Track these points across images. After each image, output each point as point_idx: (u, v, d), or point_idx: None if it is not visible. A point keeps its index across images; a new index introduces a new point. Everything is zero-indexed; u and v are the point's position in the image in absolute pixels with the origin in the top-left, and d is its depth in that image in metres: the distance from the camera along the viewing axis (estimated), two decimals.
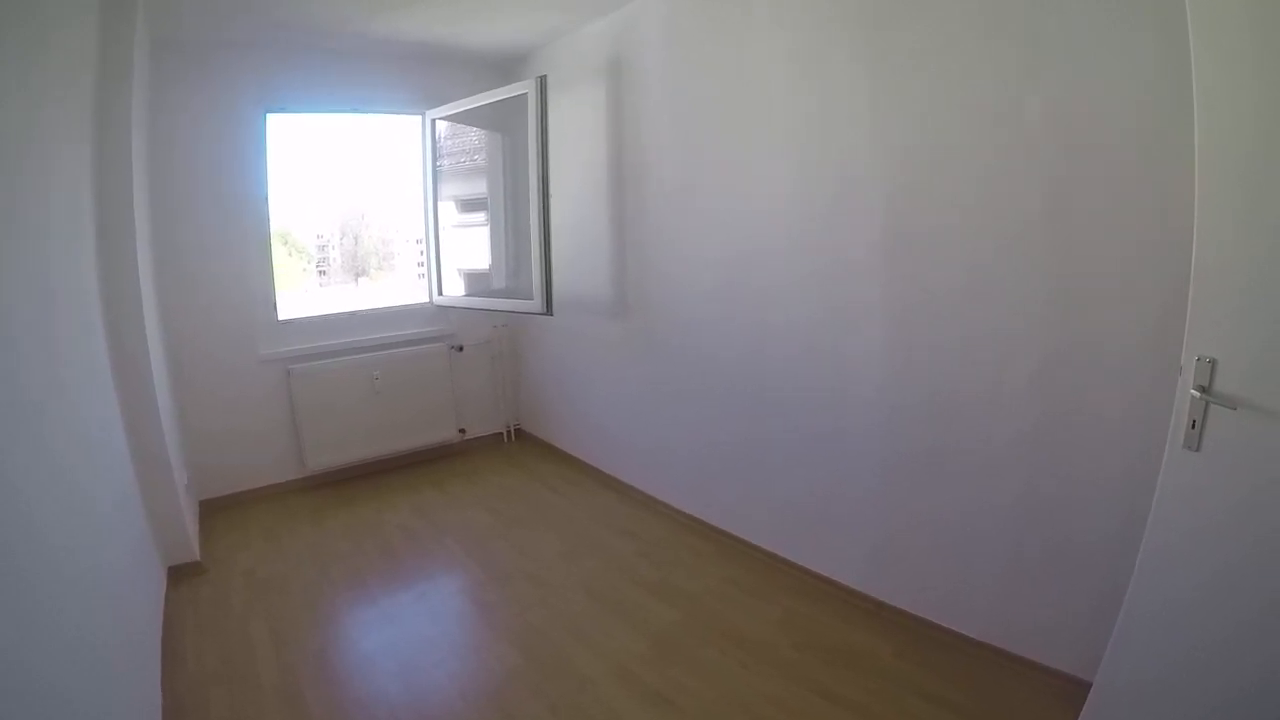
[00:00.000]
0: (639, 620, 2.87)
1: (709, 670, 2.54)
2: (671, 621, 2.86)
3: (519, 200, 4.18)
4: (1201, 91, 1.49)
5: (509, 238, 4.49)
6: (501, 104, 4.07)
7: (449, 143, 4.76)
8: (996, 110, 2.24)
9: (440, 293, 4.85)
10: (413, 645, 2.78)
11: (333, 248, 6.91)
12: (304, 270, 6.70)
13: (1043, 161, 2.14)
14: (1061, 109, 2.08)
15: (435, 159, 4.74)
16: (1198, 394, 1.54)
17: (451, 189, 4.83)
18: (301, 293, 6.10)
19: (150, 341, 3.08)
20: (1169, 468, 1.64)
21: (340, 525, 3.94)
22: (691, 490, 3.79)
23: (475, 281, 4.87)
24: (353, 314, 4.73)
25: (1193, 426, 1.57)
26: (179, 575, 3.27)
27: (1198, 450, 1.57)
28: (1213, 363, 1.52)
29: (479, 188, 4.74)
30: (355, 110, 4.61)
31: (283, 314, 4.40)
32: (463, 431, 5.12)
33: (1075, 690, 2.10)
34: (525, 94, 3.82)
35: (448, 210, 4.85)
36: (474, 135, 4.69)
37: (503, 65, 4.84)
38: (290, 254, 6.30)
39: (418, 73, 4.60)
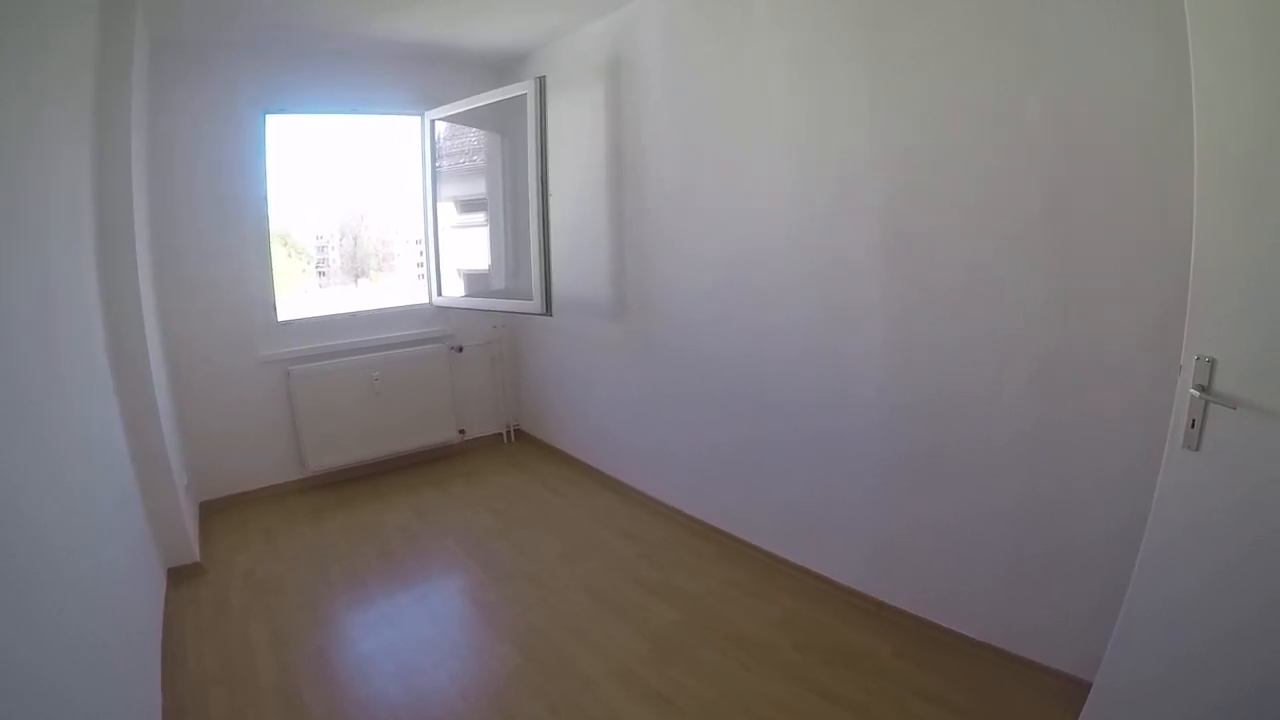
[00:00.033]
0: (640, 621, 2.87)
1: (710, 671, 2.54)
2: (672, 622, 2.86)
3: (518, 201, 4.18)
4: (1201, 91, 1.49)
5: (508, 238, 4.49)
6: (500, 104, 4.07)
7: (448, 143, 4.76)
8: (996, 110, 2.24)
9: (440, 293, 4.85)
10: (413, 646, 2.78)
11: (332, 249, 6.91)
12: (303, 271, 6.70)
13: (1043, 161, 2.14)
14: (1061, 109, 2.08)
15: (434, 160, 4.74)
16: (1197, 393, 1.54)
17: (451, 190, 4.84)
18: (301, 294, 6.10)
19: (150, 342, 3.08)
20: (1169, 467, 1.64)
21: (340, 526, 3.94)
22: (692, 491, 3.79)
23: (475, 282, 4.88)
24: (352, 315, 4.73)
25: (1192, 426, 1.57)
26: (179, 576, 3.27)
27: (1197, 450, 1.57)
28: (1212, 362, 1.52)
29: (478, 188, 4.74)
30: (354, 111, 4.61)
31: (282, 315, 4.40)
32: (463, 432, 5.12)
33: (1075, 690, 2.10)
34: (524, 94, 3.82)
35: (447, 211, 4.85)
36: (473, 136, 4.69)
37: (502, 66, 4.84)
38: (290, 255, 6.30)
39: (416, 73, 4.60)
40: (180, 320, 3.92)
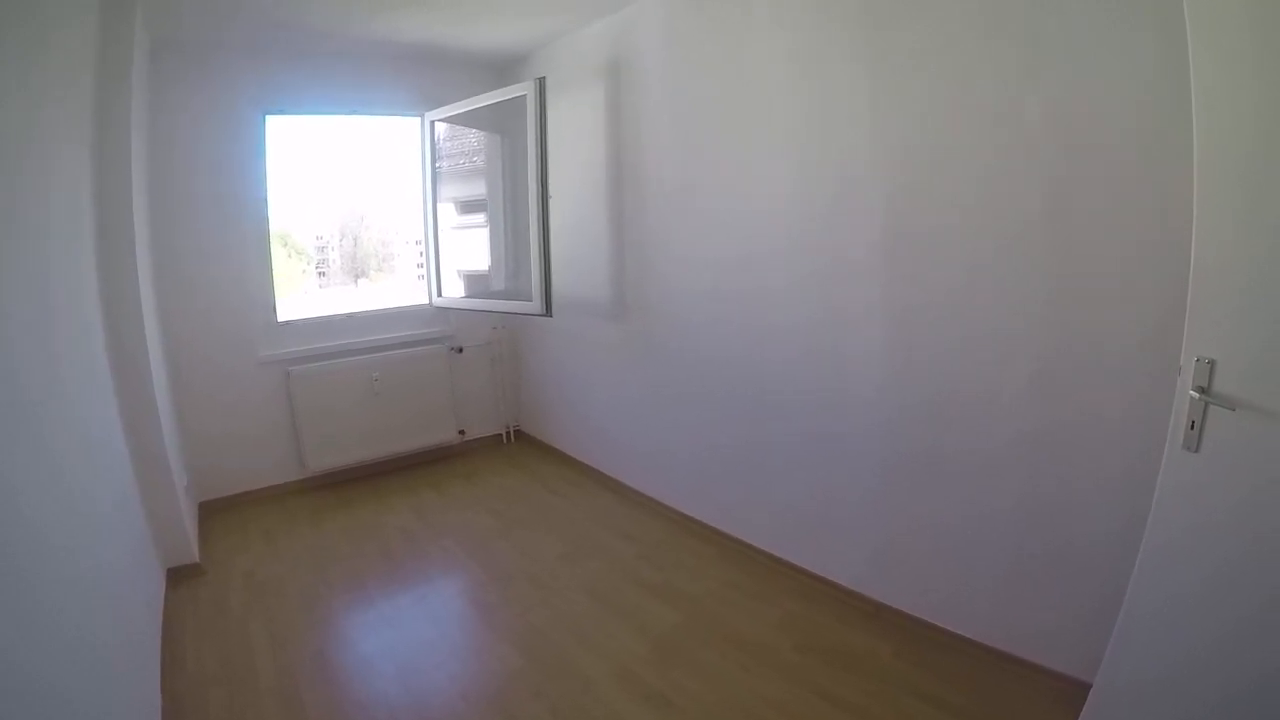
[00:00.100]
0: (640, 622, 2.87)
1: (710, 672, 2.54)
2: (672, 623, 2.86)
3: (518, 202, 4.18)
4: (1201, 91, 1.49)
5: (508, 239, 4.49)
6: (500, 105, 4.07)
7: (448, 144, 4.76)
8: (996, 110, 2.24)
9: (440, 294, 4.85)
10: (412, 647, 2.78)
11: (332, 249, 6.91)
12: (303, 272, 6.70)
13: (1043, 161, 2.14)
14: (1061, 109, 2.08)
15: (434, 161, 4.74)
16: (1197, 395, 1.54)
17: (451, 190, 4.84)
18: (301, 294, 6.10)
19: (150, 342, 3.08)
20: (1168, 468, 1.64)
21: (340, 527, 3.93)
22: (692, 492, 3.79)
23: (475, 283, 4.88)
24: (352, 316, 4.73)
25: (1192, 427, 1.57)
26: (178, 577, 3.27)
27: (1197, 451, 1.57)
28: (1212, 364, 1.52)
29: (478, 189, 4.74)
30: (354, 112, 4.62)
31: (282, 315, 4.40)
32: (462, 433, 5.12)
33: (1076, 692, 2.09)
34: (524, 96, 3.82)
35: (447, 212, 4.85)
36: (473, 137, 4.70)
37: (502, 66, 4.84)
38: (290, 255, 6.30)
39: (416, 74, 4.60)
40: (180, 320, 3.92)
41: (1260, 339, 1.47)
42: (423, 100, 4.65)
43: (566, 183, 4.21)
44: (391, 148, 5.23)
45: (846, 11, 2.63)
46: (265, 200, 4.22)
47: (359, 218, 6.95)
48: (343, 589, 3.23)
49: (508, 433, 5.40)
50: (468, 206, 4.85)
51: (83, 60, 2.55)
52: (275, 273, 4.36)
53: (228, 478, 4.22)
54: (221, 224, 4.04)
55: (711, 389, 3.53)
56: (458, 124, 4.67)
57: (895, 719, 2.26)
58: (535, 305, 3.98)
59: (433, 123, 4.67)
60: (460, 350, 5.05)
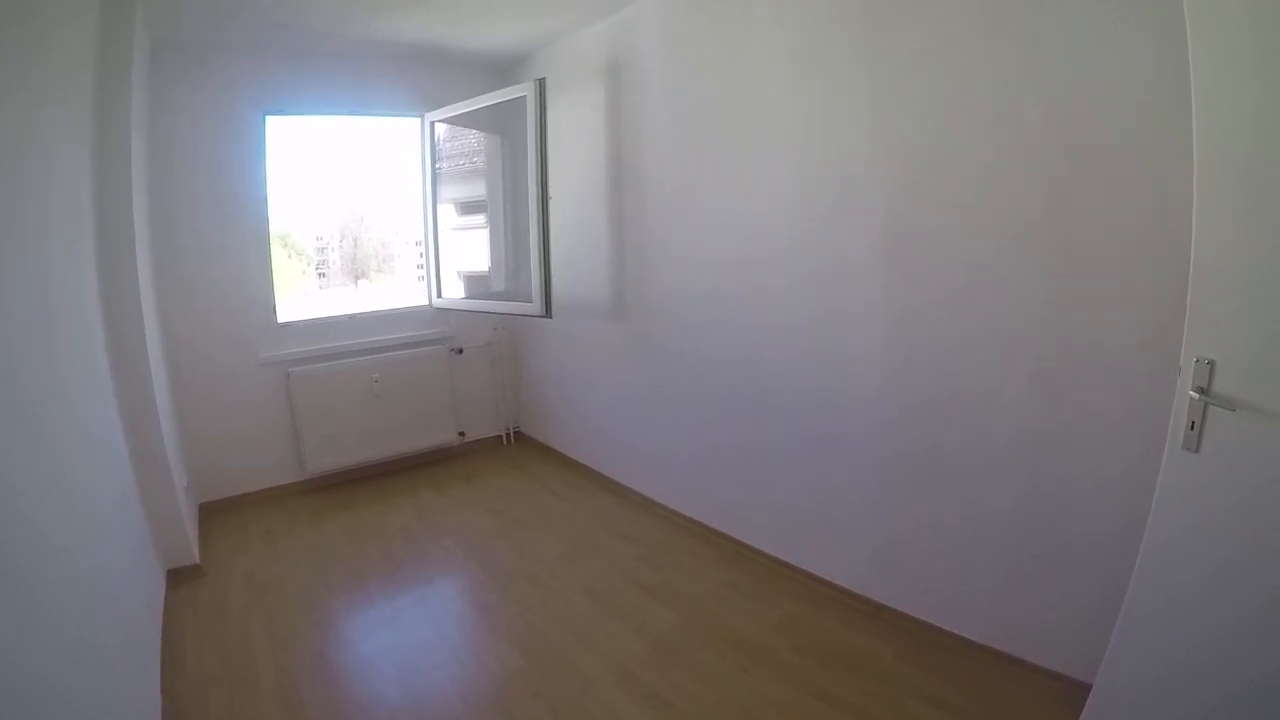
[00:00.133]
0: (639, 623, 2.87)
1: (709, 673, 2.54)
2: (672, 624, 2.85)
3: (518, 202, 4.18)
4: (1201, 91, 1.49)
5: (508, 240, 4.49)
6: (500, 106, 4.07)
7: (448, 145, 4.76)
8: (996, 110, 2.24)
9: (440, 295, 4.85)
10: (412, 647, 2.78)
11: (332, 250, 6.92)
12: (303, 273, 6.70)
13: (1043, 161, 2.14)
14: (1061, 109, 2.08)
15: (434, 161, 4.74)
16: (1196, 395, 1.54)
17: (450, 191, 4.84)
18: (301, 295, 6.11)
19: (150, 343, 3.08)
20: (1168, 469, 1.64)
21: (340, 528, 3.93)
22: (692, 493, 3.79)
23: (474, 284, 4.88)
24: (352, 316, 4.73)
25: (1192, 428, 1.57)
26: (179, 578, 3.27)
27: (1197, 451, 1.57)
28: (1211, 364, 1.52)
29: (478, 190, 4.74)
30: (354, 112, 4.62)
31: (282, 316, 4.40)
32: (462, 434, 5.11)
33: (1076, 692, 2.09)
34: (524, 96, 3.82)
35: (447, 213, 4.85)
36: (473, 138, 4.70)
37: (502, 67, 4.84)
38: (290, 256, 6.31)
39: (416, 75, 4.60)
40: (180, 321, 3.92)
41: (1260, 339, 1.47)
42: (423, 101, 4.65)
43: (566, 183, 4.22)
44: (391, 148, 5.24)
45: (846, 11, 2.63)
46: (265, 201, 4.21)
47: (359, 218, 6.95)
48: (343, 590, 3.23)
49: (508, 434, 5.39)
50: (468, 207, 4.85)
51: (83, 60, 2.55)
52: (275, 273, 4.36)
53: (228, 479, 4.22)
54: (221, 224, 4.04)
55: (711, 389, 3.52)
56: (458, 125, 4.67)
57: (895, 719, 2.26)
58: (535, 306, 3.98)
59: (433, 123, 4.67)
60: (460, 351, 5.05)
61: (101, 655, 1.84)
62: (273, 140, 4.22)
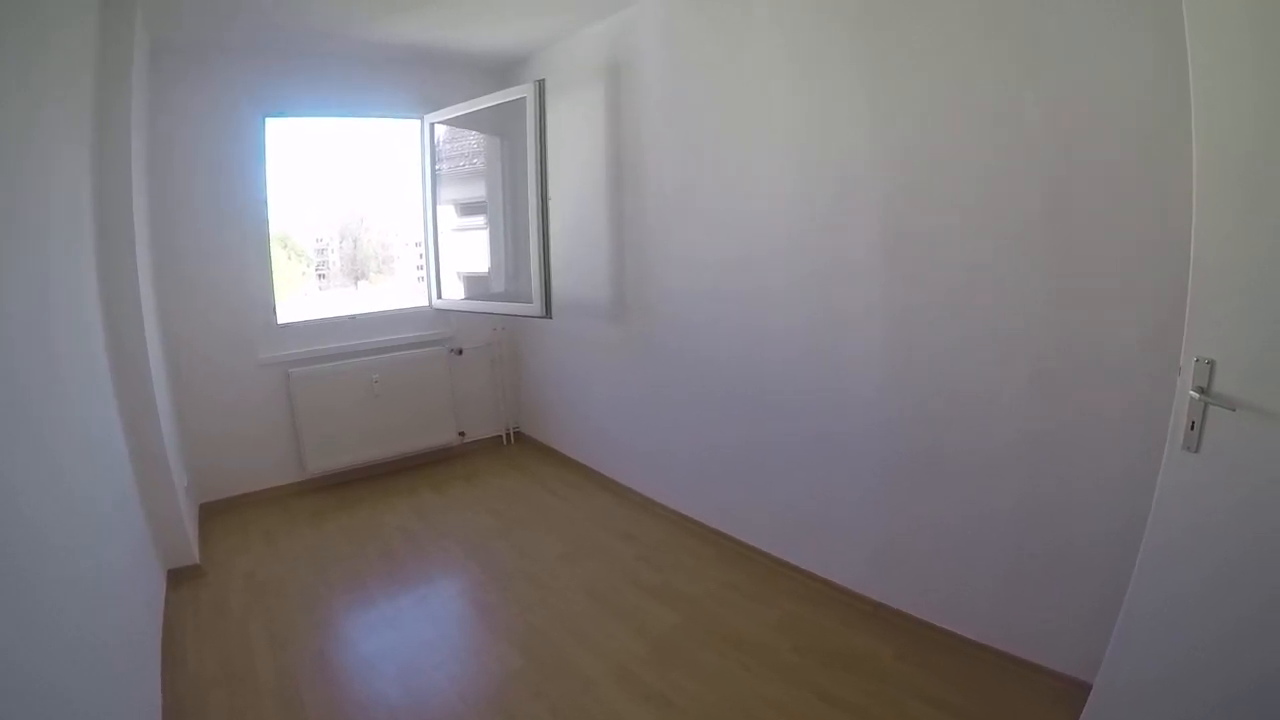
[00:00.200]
0: (639, 623, 2.87)
1: (709, 673, 2.54)
2: (672, 624, 2.85)
3: (518, 203, 4.18)
4: (1201, 91, 1.49)
5: (508, 241, 4.49)
6: (500, 107, 4.07)
7: (448, 146, 4.76)
8: (996, 110, 2.24)
9: (439, 296, 4.85)
10: (412, 647, 2.78)
11: (332, 251, 6.91)
12: (303, 274, 6.70)
13: (1043, 161, 2.14)
14: (1061, 109, 2.08)
15: (434, 163, 4.74)
16: (1196, 395, 1.54)
17: (450, 192, 4.84)
18: (301, 296, 6.11)
19: (149, 343, 3.08)
20: (1168, 468, 1.64)
21: (340, 528, 3.93)
22: (692, 493, 3.79)
23: (474, 285, 4.88)
24: (352, 317, 4.73)
25: (1192, 428, 1.57)
26: (179, 578, 3.27)
27: (1197, 451, 1.57)
28: (1211, 364, 1.52)
29: (478, 191, 4.74)
30: (354, 114, 4.63)
31: (282, 317, 4.40)
32: (462, 434, 5.11)
33: (1076, 692, 2.09)
34: (524, 98, 3.83)
35: (447, 214, 4.85)
36: (473, 139, 4.70)
37: (502, 68, 4.84)
38: (289, 257, 6.31)
39: (416, 76, 4.61)
40: (180, 321, 3.92)
41: (1260, 339, 1.47)
42: (422, 102, 4.65)
43: (566, 184, 4.22)
44: (391, 150, 5.24)
45: (846, 11, 2.63)
46: (265, 202, 4.22)
47: (359, 220, 6.95)
48: (343, 589, 3.23)
49: (508, 434, 5.39)
50: (467, 208, 4.85)
51: (83, 60, 2.55)
52: (275, 274, 4.36)
53: (228, 479, 4.22)
54: (221, 225, 4.04)
55: (711, 389, 3.52)
56: (457, 126, 4.67)
57: (895, 719, 2.26)
58: (535, 307, 3.98)
59: (432, 125, 4.67)
60: (460, 352, 5.05)
61: (101, 655, 1.84)
62: (272, 142, 4.23)
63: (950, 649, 2.59)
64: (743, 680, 2.49)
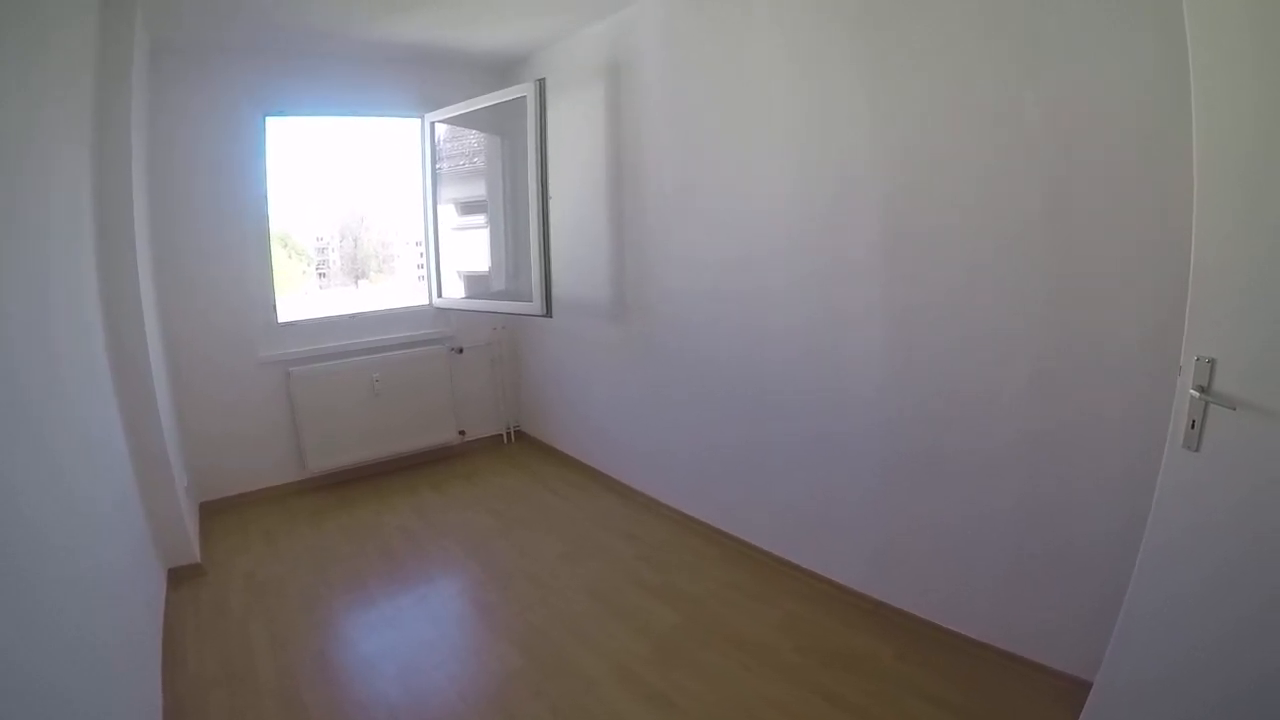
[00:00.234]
0: (640, 622, 2.87)
1: (711, 672, 2.54)
2: (673, 624, 2.86)
3: (518, 202, 4.18)
4: (1201, 91, 1.49)
5: (508, 240, 4.49)
6: (500, 107, 4.07)
7: (448, 145, 4.76)
8: (996, 110, 2.24)
9: (440, 295, 4.85)
10: (413, 647, 2.78)
11: (332, 250, 6.92)
12: (304, 273, 6.71)
13: (1043, 161, 2.14)
14: (1061, 109, 2.08)
15: (434, 162, 4.74)
16: (1197, 394, 1.54)
17: (451, 191, 4.84)
18: (301, 295, 6.11)
19: (149, 343, 3.08)
20: (1168, 467, 1.64)
21: (340, 527, 3.93)
22: (692, 493, 3.79)
23: (475, 284, 4.88)
24: (352, 316, 4.73)
25: (1192, 426, 1.57)
26: (179, 577, 3.27)
27: (1197, 450, 1.57)
28: (1212, 362, 1.52)
29: (478, 190, 4.74)
30: (354, 113, 4.62)
31: (282, 316, 4.40)
32: (463, 433, 5.11)
33: (1076, 691, 2.09)
34: (524, 97, 3.83)
35: (447, 213, 4.85)
36: (473, 138, 4.70)
37: (502, 67, 4.84)
38: (290, 256, 6.31)
39: (416, 75, 4.61)
40: (180, 320, 3.92)
41: (1260, 339, 1.46)
42: (423, 101, 4.65)
43: (566, 183, 4.22)
44: (391, 149, 5.24)
45: (846, 11, 2.63)
46: (265, 201, 4.22)
47: (359, 219, 6.96)
48: (343, 589, 3.23)
49: (508, 433, 5.40)
50: (468, 207, 4.85)
51: (83, 60, 2.55)
52: (275, 274, 4.36)
53: (228, 478, 4.22)
54: (221, 224, 4.04)
55: (711, 389, 3.53)
56: (458, 125, 4.67)
57: (896, 718, 2.26)
58: (535, 306, 3.98)
59: (433, 124, 4.67)
60: (460, 351, 5.05)
61: (101, 655, 1.84)
62: (273, 141, 4.23)
63: (951, 648, 2.59)
64: (744, 680, 2.49)
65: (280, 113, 4.23)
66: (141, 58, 3.22)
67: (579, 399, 4.69)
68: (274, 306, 4.34)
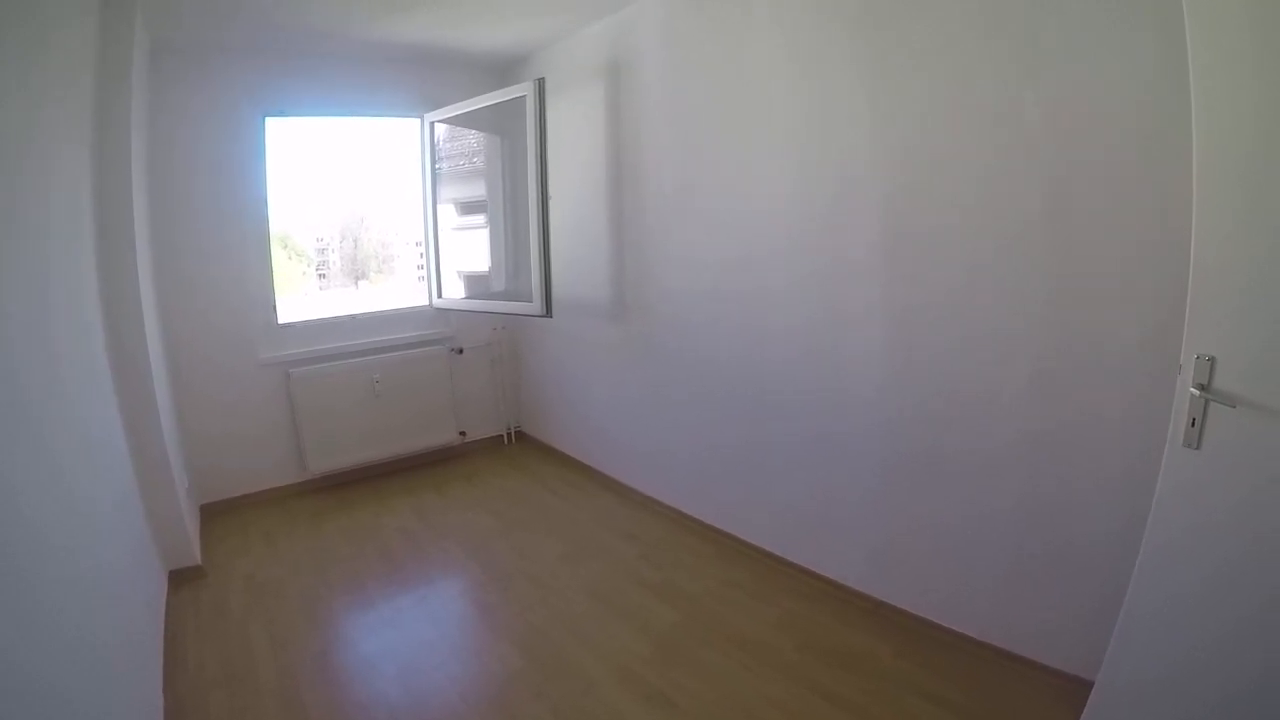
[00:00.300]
0: (641, 622, 2.87)
1: (710, 672, 2.54)
2: (673, 623, 2.86)
3: (518, 202, 4.18)
4: (1201, 91, 1.49)
5: (508, 240, 4.49)
6: (500, 106, 4.07)
7: (448, 145, 4.76)
8: (996, 110, 2.24)
9: (440, 295, 4.85)
10: (413, 648, 2.78)
11: (332, 251, 6.93)
12: (304, 273, 6.71)
13: (1043, 161, 2.14)
14: (1061, 109, 2.08)
15: (434, 162, 4.74)
16: (1197, 392, 1.54)
17: (450, 192, 4.84)
18: (301, 296, 6.11)
19: (149, 343, 3.08)
20: (1169, 466, 1.64)
21: (340, 529, 3.93)
22: (692, 492, 3.79)
23: (475, 284, 4.88)
24: (352, 317, 4.73)
25: (1192, 425, 1.57)
26: (180, 579, 3.27)
27: (1198, 448, 1.57)
28: (1212, 361, 1.52)
29: (478, 190, 4.75)
30: (354, 113, 4.62)
31: (282, 317, 4.40)
32: (463, 434, 5.11)
33: (1077, 690, 2.09)
34: (524, 96, 3.82)
35: (447, 213, 4.85)
36: (473, 138, 4.70)
37: (502, 67, 4.84)
38: (290, 257, 6.32)
39: (416, 75, 4.61)
40: (181, 321, 3.92)
41: (1261, 337, 1.47)
42: (422, 101, 4.65)
43: (566, 183, 4.22)
44: (391, 149, 5.24)
45: (846, 11, 2.63)
46: (265, 201, 4.21)
47: (359, 219, 6.96)
48: (343, 590, 3.23)
49: (508, 434, 5.40)
50: (468, 207, 4.85)
51: (83, 60, 2.55)
52: (275, 274, 4.36)
53: (228, 480, 4.22)
54: (221, 225, 4.04)
55: (711, 389, 3.53)
56: (457, 125, 4.67)
57: (896, 718, 2.26)
58: (535, 306, 3.98)
59: (432, 124, 4.67)
60: (461, 351, 5.05)
61: (102, 655, 1.84)
62: (272, 141, 4.22)
63: (951, 647, 2.59)
64: (744, 679, 2.49)
65: (280, 113, 4.23)
66: (141, 58, 3.22)
67: (579, 399, 4.69)
68: (274, 307, 4.34)
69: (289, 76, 4.17)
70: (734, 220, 3.24)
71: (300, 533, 3.89)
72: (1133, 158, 1.97)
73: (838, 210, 2.78)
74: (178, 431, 3.71)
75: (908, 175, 2.53)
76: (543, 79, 3.77)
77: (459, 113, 4.45)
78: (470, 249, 4.82)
